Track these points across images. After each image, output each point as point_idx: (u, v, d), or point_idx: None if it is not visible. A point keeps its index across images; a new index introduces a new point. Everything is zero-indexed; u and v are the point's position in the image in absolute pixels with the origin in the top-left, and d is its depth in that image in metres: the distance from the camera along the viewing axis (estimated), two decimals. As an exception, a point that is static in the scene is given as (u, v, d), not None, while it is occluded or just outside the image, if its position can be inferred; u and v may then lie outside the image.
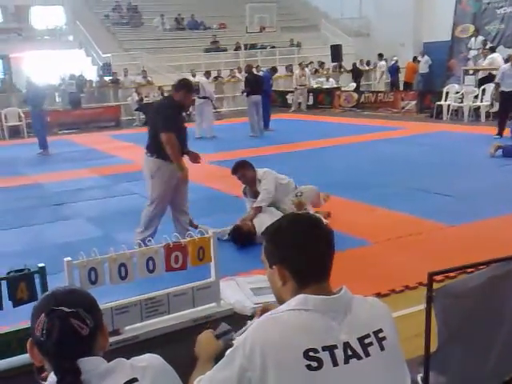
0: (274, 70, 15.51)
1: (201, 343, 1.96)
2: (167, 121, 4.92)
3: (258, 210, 5.42)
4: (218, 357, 1.55)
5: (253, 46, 22.44)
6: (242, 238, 5.18)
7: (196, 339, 2.02)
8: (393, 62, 20.23)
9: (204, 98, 13.52)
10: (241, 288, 3.03)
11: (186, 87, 5.11)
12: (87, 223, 6.16)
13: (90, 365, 1.29)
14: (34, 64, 19.92)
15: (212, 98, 14.15)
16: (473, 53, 16.52)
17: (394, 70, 20.27)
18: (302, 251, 1.53)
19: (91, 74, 20.06)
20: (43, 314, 1.29)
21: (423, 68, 19.79)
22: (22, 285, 2.38)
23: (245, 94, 13.51)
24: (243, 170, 5.65)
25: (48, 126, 13.37)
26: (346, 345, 1.41)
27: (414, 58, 20.07)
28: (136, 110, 17.33)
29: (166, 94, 17.80)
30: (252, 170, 5.65)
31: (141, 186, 8.09)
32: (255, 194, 5.60)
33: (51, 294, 1.37)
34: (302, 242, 1.53)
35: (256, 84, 13.18)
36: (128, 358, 1.38)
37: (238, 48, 22.26)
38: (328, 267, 1.55)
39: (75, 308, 1.31)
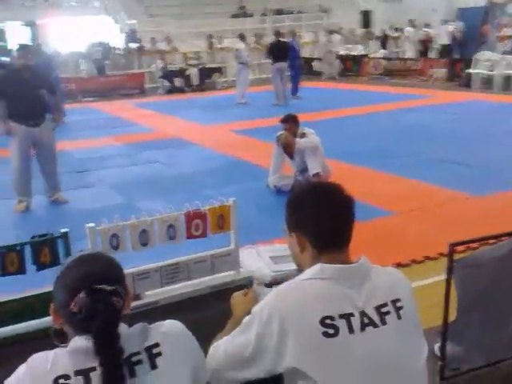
0: (293, 34, 15.19)
1: (237, 301, 1.91)
2: None
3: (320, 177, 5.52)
4: None
5: (279, 12, 22.06)
6: None
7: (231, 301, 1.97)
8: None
9: (242, 63, 13.58)
10: (260, 256, 3.04)
11: (16, 52, 5.72)
12: (110, 190, 6.22)
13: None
14: (60, 31, 19.83)
15: (248, 63, 14.04)
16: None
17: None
18: (319, 219, 1.53)
19: (119, 41, 19.89)
20: (83, 293, 1.29)
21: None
22: (45, 250, 2.42)
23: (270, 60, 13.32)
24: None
25: (65, 93, 13.24)
26: (363, 313, 1.42)
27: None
28: (160, 77, 17.27)
29: (189, 62, 17.86)
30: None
31: (163, 154, 8.15)
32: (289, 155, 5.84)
33: (89, 269, 1.35)
34: (319, 210, 1.53)
35: (281, 51, 12.93)
36: (149, 323, 1.40)
37: (264, 13, 21.92)
38: (346, 236, 1.54)
39: (114, 285, 1.33)
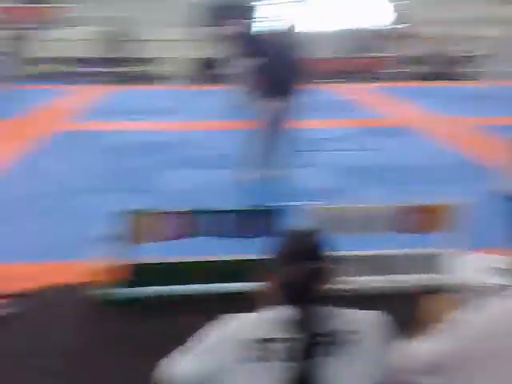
0: None
1: (439, 305, 1.88)
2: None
3: None
4: None
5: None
6: None
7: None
8: None
9: (493, 53, 12.75)
10: (477, 264, 2.84)
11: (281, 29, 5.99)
12: (328, 172, 6.31)
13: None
14: (322, 9, 19.69)
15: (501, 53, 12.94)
16: None
17: None
18: None
19: (383, 21, 19.20)
20: (296, 266, 1.37)
21: None
22: (262, 220, 2.59)
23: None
24: None
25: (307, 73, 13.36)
26: None
27: None
28: (403, 62, 16.70)
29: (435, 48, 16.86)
30: None
31: (389, 142, 7.97)
32: None
33: (305, 245, 1.44)
34: None
35: None
36: (346, 309, 1.44)
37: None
38: None
39: (322, 264, 1.41)
